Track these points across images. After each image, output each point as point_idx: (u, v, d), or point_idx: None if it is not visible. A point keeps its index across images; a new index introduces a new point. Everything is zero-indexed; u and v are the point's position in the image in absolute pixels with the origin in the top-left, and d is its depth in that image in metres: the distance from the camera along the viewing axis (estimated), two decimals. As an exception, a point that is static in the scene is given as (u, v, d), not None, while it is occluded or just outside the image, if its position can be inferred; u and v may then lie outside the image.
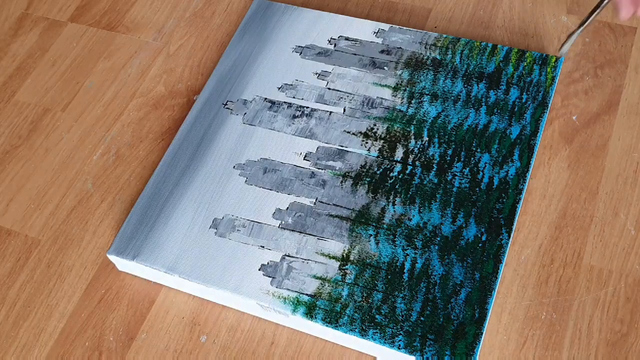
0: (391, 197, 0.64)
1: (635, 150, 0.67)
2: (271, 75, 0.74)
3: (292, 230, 0.63)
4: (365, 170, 0.66)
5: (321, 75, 0.73)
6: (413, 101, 0.70)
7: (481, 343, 0.57)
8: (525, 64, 0.71)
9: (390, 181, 0.65)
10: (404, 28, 0.75)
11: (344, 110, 0.70)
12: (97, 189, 0.72)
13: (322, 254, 0.62)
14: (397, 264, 0.61)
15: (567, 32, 0.75)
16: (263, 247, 0.63)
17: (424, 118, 0.69)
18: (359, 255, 0.62)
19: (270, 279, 0.61)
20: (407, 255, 0.61)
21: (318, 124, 0.70)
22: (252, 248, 0.63)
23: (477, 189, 0.64)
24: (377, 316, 0.58)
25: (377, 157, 0.67)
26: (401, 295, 0.59)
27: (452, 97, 0.70)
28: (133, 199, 0.70)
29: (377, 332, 0.58)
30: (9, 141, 0.76)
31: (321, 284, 0.60)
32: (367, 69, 0.73)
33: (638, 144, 0.68)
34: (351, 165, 0.67)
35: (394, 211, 0.63)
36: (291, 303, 0.60)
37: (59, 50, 0.83)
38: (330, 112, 0.70)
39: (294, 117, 0.70)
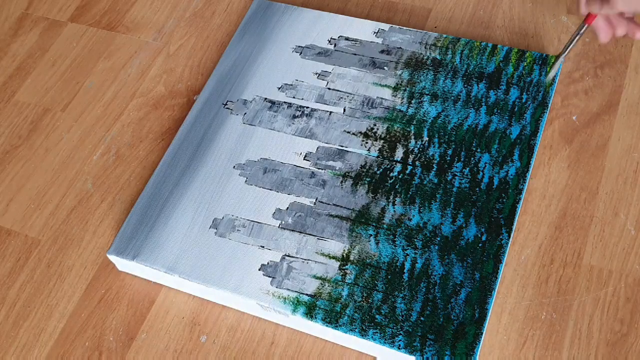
0: (391, 197, 0.64)
1: (635, 150, 0.67)
2: (271, 75, 0.74)
3: (292, 230, 0.63)
4: (365, 170, 0.66)
5: (321, 75, 0.73)
6: (413, 101, 0.70)
7: (481, 343, 0.57)
8: (525, 64, 0.71)
9: (390, 181, 0.65)
10: (404, 28, 0.75)
11: (344, 110, 0.70)
12: (97, 189, 0.72)
13: (322, 254, 0.62)
14: (397, 264, 0.61)
15: (567, 32, 0.75)
16: (263, 247, 0.63)
17: (424, 118, 0.69)
18: (359, 255, 0.62)
19: (270, 279, 0.61)
20: (407, 255, 0.61)
21: (318, 124, 0.70)
22: (252, 248, 0.63)
23: (477, 189, 0.64)
24: (377, 316, 0.58)
25: (377, 157, 0.67)
26: (401, 295, 0.59)
27: (452, 97, 0.70)
28: (133, 199, 0.70)
29: (377, 332, 0.58)
30: (9, 141, 0.76)
31: (321, 284, 0.60)
32: (367, 69, 0.73)
33: (638, 144, 0.68)
34: (351, 165, 0.67)
35: (394, 211, 0.63)
36: (291, 303, 0.60)
37: (59, 50, 0.83)
38: (330, 112, 0.70)
39: (294, 117, 0.70)
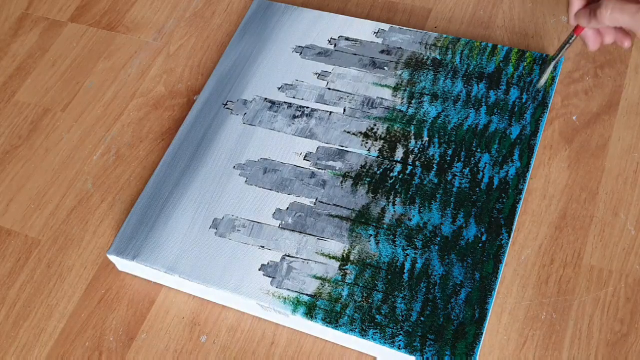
0: (391, 197, 0.64)
1: (635, 150, 0.67)
2: (271, 75, 0.74)
3: (292, 230, 0.63)
4: (365, 170, 0.66)
5: (321, 75, 0.73)
6: (413, 101, 0.70)
7: (481, 343, 0.57)
8: (525, 64, 0.71)
9: (390, 181, 0.65)
10: (404, 28, 0.75)
11: (344, 110, 0.70)
12: (97, 189, 0.72)
13: (322, 254, 0.62)
14: (397, 264, 0.61)
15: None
16: (263, 247, 0.63)
17: (424, 118, 0.69)
18: (359, 255, 0.62)
19: (270, 279, 0.61)
20: (407, 255, 0.61)
21: (318, 124, 0.70)
22: (252, 248, 0.63)
23: (477, 189, 0.64)
24: (377, 316, 0.58)
25: (377, 157, 0.67)
26: (401, 295, 0.59)
27: (452, 97, 0.70)
28: (133, 199, 0.70)
29: (377, 332, 0.58)
30: (9, 141, 0.76)
31: (321, 284, 0.60)
32: (367, 69, 0.73)
33: (638, 144, 0.68)
34: (351, 165, 0.67)
35: (394, 211, 0.63)
36: (291, 303, 0.60)
37: (59, 50, 0.83)
38: (330, 112, 0.70)
39: (294, 117, 0.70)
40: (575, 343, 0.59)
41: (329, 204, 0.65)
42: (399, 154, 0.67)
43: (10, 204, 0.72)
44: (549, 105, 0.68)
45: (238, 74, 0.74)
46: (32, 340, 0.64)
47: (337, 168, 0.67)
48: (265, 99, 0.72)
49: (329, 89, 0.72)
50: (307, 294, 0.60)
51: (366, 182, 0.65)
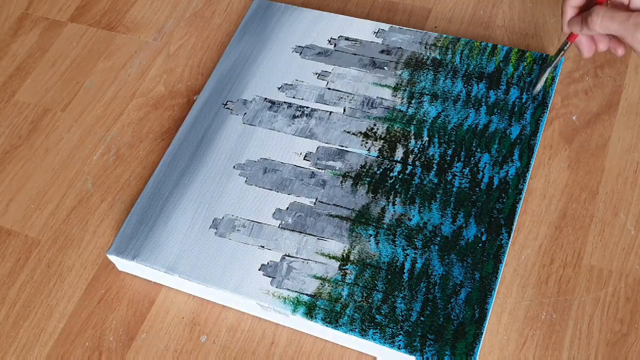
0: (391, 197, 0.64)
1: (635, 150, 0.67)
2: (271, 75, 0.74)
3: (292, 230, 0.63)
4: (365, 170, 0.66)
5: (321, 75, 0.73)
6: (413, 101, 0.70)
7: (481, 343, 0.57)
8: (525, 64, 0.71)
9: (390, 181, 0.65)
10: (404, 28, 0.75)
11: (344, 110, 0.70)
12: (97, 189, 0.72)
13: (322, 254, 0.62)
14: (397, 264, 0.61)
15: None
16: (263, 247, 0.63)
17: (424, 118, 0.69)
18: (359, 255, 0.62)
19: (270, 279, 0.61)
20: (407, 255, 0.61)
21: (318, 124, 0.70)
22: (252, 248, 0.63)
23: (477, 189, 0.64)
24: (377, 316, 0.58)
25: (377, 157, 0.67)
26: (401, 295, 0.59)
27: (452, 97, 0.70)
28: (133, 199, 0.70)
29: (377, 332, 0.58)
30: (9, 141, 0.76)
31: (321, 284, 0.60)
32: (367, 69, 0.73)
33: (638, 144, 0.68)
34: (351, 165, 0.67)
35: (394, 211, 0.63)
36: (291, 303, 0.60)
37: (59, 50, 0.83)
38: (330, 112, 0.70)
39: (294, 117, 0.70)
40: (575, 343, 0.59)
41: (329, 204, 0.65)
42: (399, 154, 0.67)
43: (10, 204, 0.72)
44: (549, 105, 0.68)
45: (238, 74, 0.74)
46: (32, 340, 0.64)
47: (337, 168, 0.67)
48: (265, 99, 0.72)
49: (329, 89, 0.72)
50: (307, 294, 0.60)
51: (366, 182, 0.65)
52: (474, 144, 0.66)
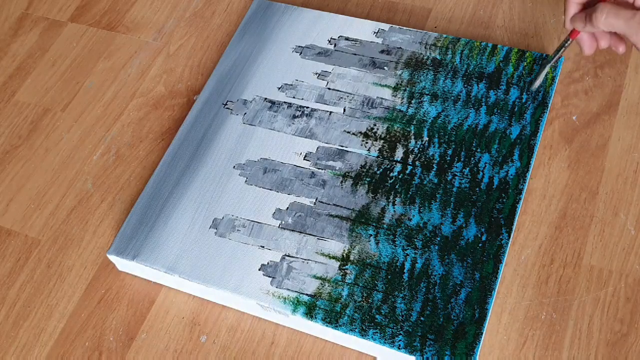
0: (391, 197, 0.64)
1: (635, 150, 0.67)
2: (271, 75, 0.74)
3: (292, 230, 0.63)
4: (365, 170, 0.66)
5: (321, 75, 0.73)
6: (413, 101, 0.70)
7: (481, 343, 0.57)
8: (525, 64, 0.71)
9: (390, 181, 0.65)
10: (404, 28, 0.75)
11: (344, 110, 0.70)
12: (97, 189, 0.72)
13: (322, 254, 0.62)
14: (397, 264, 0.61)
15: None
16: (263, 247, 0.63)
17: (424, 118, 0.69)
18: (359, 255, 0.62)
19: (270, 279, 0.61)
20: (407, 255, 0.61)
21: (318, 124, 0.70)
22: (252, 248, 0.63)
23: (477, 189, 0.64)
24: (377, 316, 0.58)
25: (377, 157, 0.67)
26: (401, 295, 0.59)
27: (452, 97, 0.70)
28: (133, 199, 0.70)
29: (377, 332, 0.58)
30: (9, 141, 0.76)
31: (321, 284, 0.60)
32: (367, 69, 0.73)
33: (638, 144, 0.68)
34: (351, 165, 0.67)
35: (394, 211, 0.63)
36: (291, 303, 0.60)
37: (59, 50, 0.83)
38: (330, 112, 0.70)
39: (294, 117, 0.70)
40: (575, 343, 0.59)
41: (329, 204, 0.65)
42: (399, 154, 0.67)
43: (10, 204, 0.72)
44: (549, 105, 0.68)
45: (238, 74, 0.74)
46: (32, 340, 0.64)
47: (337, 168, 0.67)
48: (265, 99, 0.72)
49: (329, 89, 0.72)
50: (307, 294, 0.60)
51: (366, 182, 0.65)
52: (474, 144, 0.66)
